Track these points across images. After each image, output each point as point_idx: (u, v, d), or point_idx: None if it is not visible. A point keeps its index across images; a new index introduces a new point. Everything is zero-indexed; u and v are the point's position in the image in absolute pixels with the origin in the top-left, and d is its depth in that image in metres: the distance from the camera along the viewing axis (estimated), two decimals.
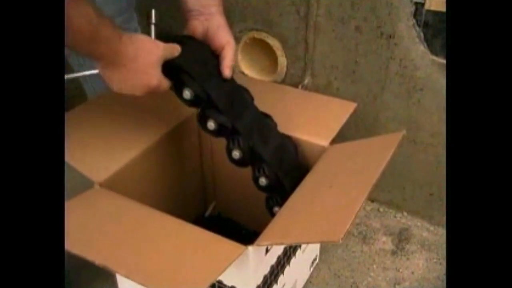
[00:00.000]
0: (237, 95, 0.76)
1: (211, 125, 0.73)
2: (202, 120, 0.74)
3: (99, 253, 0.56)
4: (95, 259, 0.54)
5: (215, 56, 0.74)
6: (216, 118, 0.73)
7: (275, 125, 0.79)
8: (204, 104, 0.73)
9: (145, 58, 0.65)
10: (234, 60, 0.75)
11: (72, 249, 0.54)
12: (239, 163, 0.75)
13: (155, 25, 0.70)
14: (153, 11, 0.71)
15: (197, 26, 0.75)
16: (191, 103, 0.73)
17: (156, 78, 0.68)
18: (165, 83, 0.70)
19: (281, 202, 0.75)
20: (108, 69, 0.65)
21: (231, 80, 0.75)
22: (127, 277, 0.52)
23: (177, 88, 0.72)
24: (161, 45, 0.68)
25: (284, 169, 0.75)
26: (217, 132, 0.74)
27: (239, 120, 0.73)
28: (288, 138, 0.79)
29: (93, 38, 0.59)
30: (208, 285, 0.51)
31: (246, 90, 0.78)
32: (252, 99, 0.78)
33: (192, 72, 0.71)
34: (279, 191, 0.76)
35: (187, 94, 0.72)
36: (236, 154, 0.74)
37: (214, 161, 0.94)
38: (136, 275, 0.53)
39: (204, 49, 0.74)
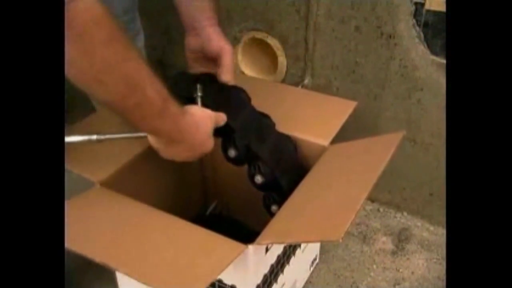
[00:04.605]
0: (233, 96, 0.77)
1: None
2: None
3: (99, 251, 0.56)
4: (95, 257, 0.54)
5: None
6: None
7: (274, 124, 0.79)
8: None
9: (202, 133, 0.68)
10: (231, 65, 0.76)
11: (72, 247, 0.54)
12: (235, 161, 0.76)
13: (201, 97, 0.74)
14: (198, 86, 0.75)
15: (191, 42, 0.78)
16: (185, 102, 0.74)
17: (211, 147, 0.71)
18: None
19: (278, 200, 0.75)
20: (167, 144, 0.68)
21: (226, 84, 0.77)
22: (128, 275, 0.52)
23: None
24: (212, 115, 0.70)
25: (281, 167, 0.75)
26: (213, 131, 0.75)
27: (234, 119, 0.74)
28: (287, 137, 0.79)
29: (162, 113, 0.61)
30: (208, 283, 0.52)
31: (243, 91, 0.79)
32: (249, 99, 0.79)
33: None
34: (276, 190, 0.76)
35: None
36: (231, 152, 0.75)
37: (215, 160, 0.94)
38: (136, 273, 0.53)
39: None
